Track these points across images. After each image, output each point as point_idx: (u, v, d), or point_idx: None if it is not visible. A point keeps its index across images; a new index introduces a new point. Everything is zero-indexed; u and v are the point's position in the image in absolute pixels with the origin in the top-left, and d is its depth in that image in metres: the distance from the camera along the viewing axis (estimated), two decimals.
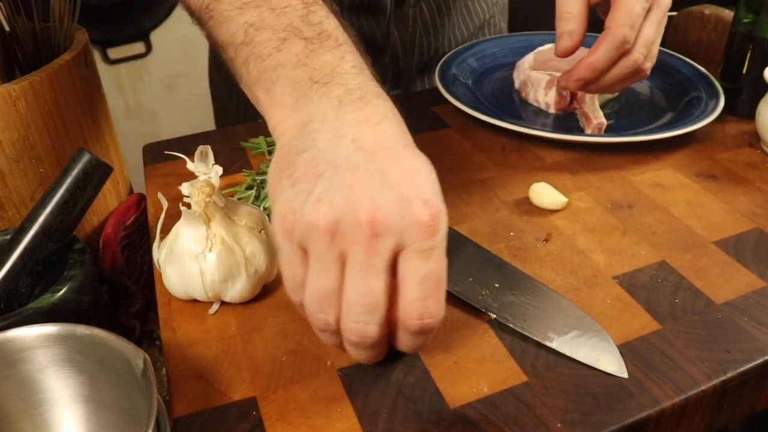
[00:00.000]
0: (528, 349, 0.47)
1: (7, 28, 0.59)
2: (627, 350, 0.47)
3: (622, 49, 0.62)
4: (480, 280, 0.51)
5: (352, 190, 0.37)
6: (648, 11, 0.62)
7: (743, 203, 0.62)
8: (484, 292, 0.50)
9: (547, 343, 0.47)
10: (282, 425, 0.42)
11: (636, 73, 0.64)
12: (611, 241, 0.58)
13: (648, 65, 0.64)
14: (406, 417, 0.42)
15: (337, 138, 0.39)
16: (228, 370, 0.46)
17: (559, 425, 0.41)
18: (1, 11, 0.58)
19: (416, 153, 0.40)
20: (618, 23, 0.60)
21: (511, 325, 0.48)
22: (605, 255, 0.56)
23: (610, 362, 0.45)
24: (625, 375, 0.45)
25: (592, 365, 0.45)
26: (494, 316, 0.49)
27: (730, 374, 0.45)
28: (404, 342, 0.41)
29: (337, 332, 0.40)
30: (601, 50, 0.62)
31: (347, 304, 0.38)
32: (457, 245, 0.54)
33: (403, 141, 0.40)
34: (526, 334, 0.47)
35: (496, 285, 0.51)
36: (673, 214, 0.61)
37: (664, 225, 0.59)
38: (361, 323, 0.38)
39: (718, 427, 0.48)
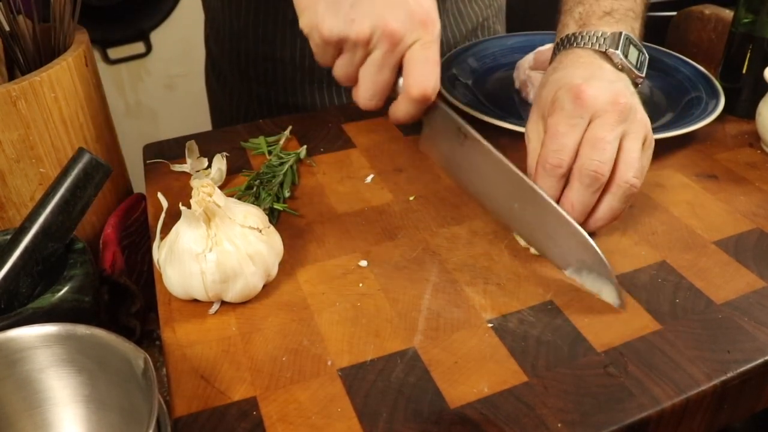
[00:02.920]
0: (528, 350, 0.47)
1: (7, 28, 0.59)
2: (627, 350, 0.47)
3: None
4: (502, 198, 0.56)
5: (373, 10, 0.50)
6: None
7: (743, 203, 0.62)
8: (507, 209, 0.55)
9: (564, 271, 0.53)
10: (282, 425, 0.42)
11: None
12: (611, 241, 0.58)
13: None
14: (406, 417, 0.42)
15: None
16: (228, 370, 0.46)
17: (559, 425, 0.41)
18: (1, 11, 0.58)
19: None
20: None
21: (532, 250, 0.55)
22: (605, 255, 0.56)
23: (610, 296, 0.51)
24: (623, 308, 0.50)
25: (596, 294, 0.52)
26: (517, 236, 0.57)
27: (730, 374, 0.45)
28: (406, 109, 0.54)
29: (354, 84, 0.55)
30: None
31: (361, 85, 0.54)
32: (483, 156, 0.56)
33: None
34: (548, 258, 0.54)
35: (516, 205, 0.54)
36: (674, 214, 0.61)
37: (665, 225, 0.59)
38: (368, 98, 0.55)
39: (718, 428, 0.48)
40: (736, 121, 0.76)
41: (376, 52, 0.52)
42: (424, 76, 0.52)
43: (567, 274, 0.53)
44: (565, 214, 0.52)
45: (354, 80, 0.55)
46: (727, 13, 0.86)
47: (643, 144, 0.55)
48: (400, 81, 0.53)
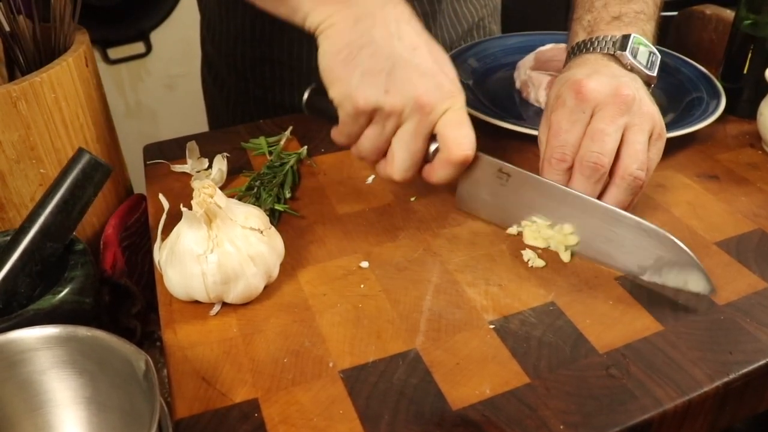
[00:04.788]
0: (530, 351, 0.47)
1: (7, 29, 0.59)
2: (629, 352, 0.47)
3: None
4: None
5: (407, 82, 0.52)
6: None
7: (745, 204, 0.62)
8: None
9: (641, 277, 0.52)
10: (284, 427, 0.42)
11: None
12: None
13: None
14: (408, 419, 0.42)
15: (388, 36, 0.52)
16: (229, 371, 0.46)
17: (561, 427, 0.41)
18: (1, 11, 0.58)
19: (437, 44, 0.55)
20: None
21: (600, 262, 0.54)
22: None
23: (698, 283, 0.50)
24: (715, 292, 0.50)
25: (681, 287, 0.51)
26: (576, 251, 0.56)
27: (732, 375, 0.45)
28: (445, 173, 0.55)
29: (382, 157, 0.56)
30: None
31: (397, 156, 0.55)
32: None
33: (425, 35, 0.55)
34: (621, 270, 0.54)
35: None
36: (675, 215, 0.61)
37: (666, 226, 0.59)
38: (405, 170, 0.55)
39: (720, 429, 0.48)
40: (737, 122, 0.75)
41: (409, 123, 0.53)
42: (461, 139, 0.53)
43: (645, 278, 0.52)
44: (633, 216, 0.52)
45: (382, 153, 0.56)
46: (728, 14, 0.85)
47: (651, 137, 0.56)
48: (432, 146, 0.55)
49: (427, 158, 0.55)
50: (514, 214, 0.58)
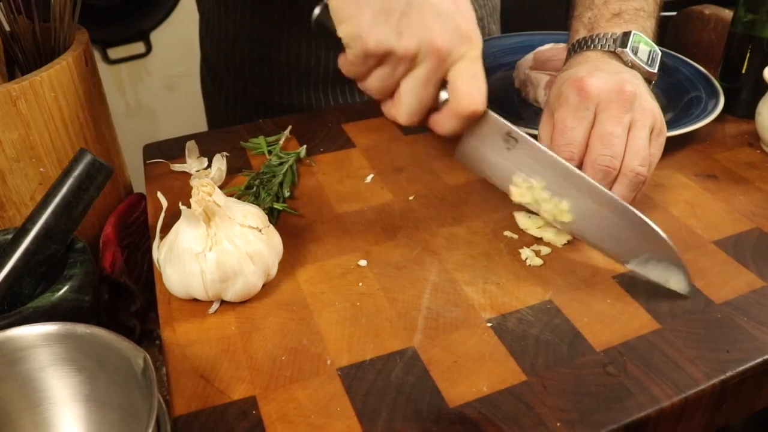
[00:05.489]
0: (527, 349, 0.47)
1: (7, 28, 0.59)
2: (626, 350, 0.47)
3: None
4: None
5: (423, 23, 0.48)
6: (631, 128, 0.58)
7: (743, 203, 0.62)
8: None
9: (626, 265, 0.53)
10: (281, 424, 0.42)
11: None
12: None
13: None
14: (405, 416, 0.42)
15: None
16: (228, 369, 0.46)
17: (558, 424, 0.42)
18: (2, 11, 0.58)
19: None
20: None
21: (591, 244, 0.55)
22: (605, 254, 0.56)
23: (679, 283, 0.52)
24: (693, 294, 0.51)
25: (662, 284, 0.52)
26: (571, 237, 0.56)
27: (729, 374, 0.45)
28: (451, 124, 0.53)
29: (389, 97, 0.54)
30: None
31: (404, 100, 0.52)
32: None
33: None
34: (606, 255, 0.55)
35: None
36: (673, 214, 0.61)
37: (664, 225, 0.59)
38: (411, 114, 0.53)
39: (717, 427, 0.48)
40: (735, 121, 0.76)
41: (421, 68, 0.50)
42: (472, 92, 0.51)
43: (630, 267, 0.53)
44: (629, 206, 0.52)
45: (390, 94, 0.53)
46: (727, 13, 0.86)
47: (652, 132, 0.56)
48: (442, 94, 0.52)
49: (436, 106, 0.53)
50: (513, 175, 0.56)
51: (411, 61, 0.50)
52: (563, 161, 0.54)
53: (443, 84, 0.52)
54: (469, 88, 0.51)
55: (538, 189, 0.55)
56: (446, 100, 0.52)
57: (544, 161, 0.54)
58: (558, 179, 0.54)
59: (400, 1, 0.48)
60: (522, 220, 0.60)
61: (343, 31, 0.50)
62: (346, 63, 0.52)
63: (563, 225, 0.55)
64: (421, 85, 0.51)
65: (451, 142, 0.57)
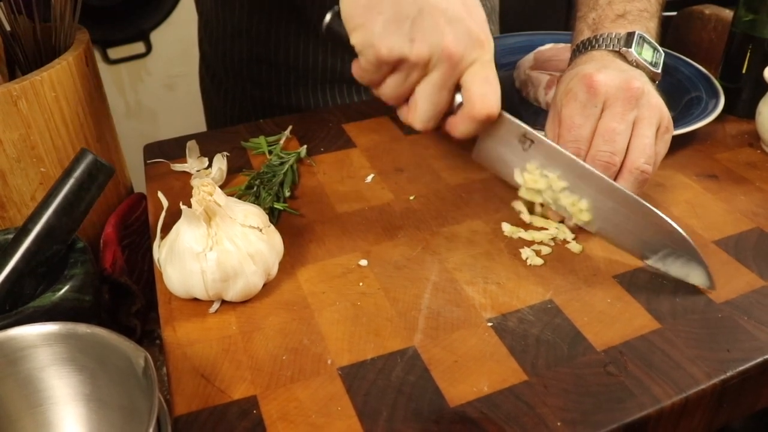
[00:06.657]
0: (528, 349, 0.47)
1: (7, 28, 0.59)
2: (627, 349, 0.47)
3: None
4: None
5: (435, 29, 0.49)
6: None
7: (743, 203, 0.62)
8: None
9: (645, 261, 0.54)
10: (282, 424, 0.42)
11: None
12: None
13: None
14: (406, 416, 0.42)
15: None
16: (228, 368, 0.46)
17: (559, 424, 0.42)
18: (2, 11, 0.58)
19: None
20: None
21: (610, 241, 0.55)
22: (605, 254, 0.56)
23: (699, 277, 0.52)
24: (714, 288, 0.51)
25: (682, 278, 0.52)
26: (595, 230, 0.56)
27: (730, 373, 0.45)
28: (467, 127, 0.53)
29: (404, 103, 0.54)
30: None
31: (419, 107, 0.52)
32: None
33: None
34: (625, 251, 0.55)
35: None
36: (674, 214, 0.61)
37: None
38: (426, 120, 0.53)
39: (718, 426, 0.48)
40: (736, 121, 0.76)
41: (435, 74, 0.51)
42: (487, 95, 0.51)
43: (648, 263, 0.54)
44: (646, 204, 0.52)
45: (405, 100, 0.54)
46: (727, 13, 0.86)
47: (658, 129, 0.56)
48: (456, 98, 0.53)
49: (451, 109, 0.53)
50: (526, 163, 0.56)
51: (424, 68, 0.50)
52: (580, 161, 0.54)
53: (457, 88, 0.52)
54: (483, 91, 0.51)
55: (555, 179, 0.55)
56: (461, 104, 0.53)
57: (561, 161, 0.55)
58: (575, 179, 0.54)
59: (411, 8, 0.48)
60: (525, 215, 0.60)
61: (355, 39, 0.51)
62: (359, 70, 0.53)
63: (583, 224, 0.56)
64: (436, 90, 0.51)
65: (451, 143, 0.57)
